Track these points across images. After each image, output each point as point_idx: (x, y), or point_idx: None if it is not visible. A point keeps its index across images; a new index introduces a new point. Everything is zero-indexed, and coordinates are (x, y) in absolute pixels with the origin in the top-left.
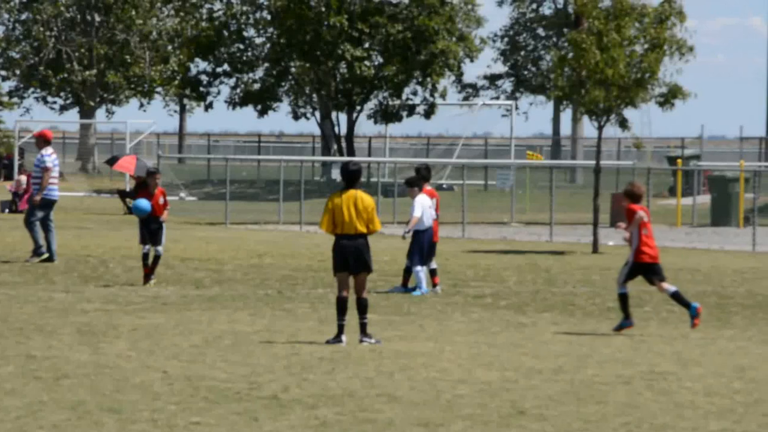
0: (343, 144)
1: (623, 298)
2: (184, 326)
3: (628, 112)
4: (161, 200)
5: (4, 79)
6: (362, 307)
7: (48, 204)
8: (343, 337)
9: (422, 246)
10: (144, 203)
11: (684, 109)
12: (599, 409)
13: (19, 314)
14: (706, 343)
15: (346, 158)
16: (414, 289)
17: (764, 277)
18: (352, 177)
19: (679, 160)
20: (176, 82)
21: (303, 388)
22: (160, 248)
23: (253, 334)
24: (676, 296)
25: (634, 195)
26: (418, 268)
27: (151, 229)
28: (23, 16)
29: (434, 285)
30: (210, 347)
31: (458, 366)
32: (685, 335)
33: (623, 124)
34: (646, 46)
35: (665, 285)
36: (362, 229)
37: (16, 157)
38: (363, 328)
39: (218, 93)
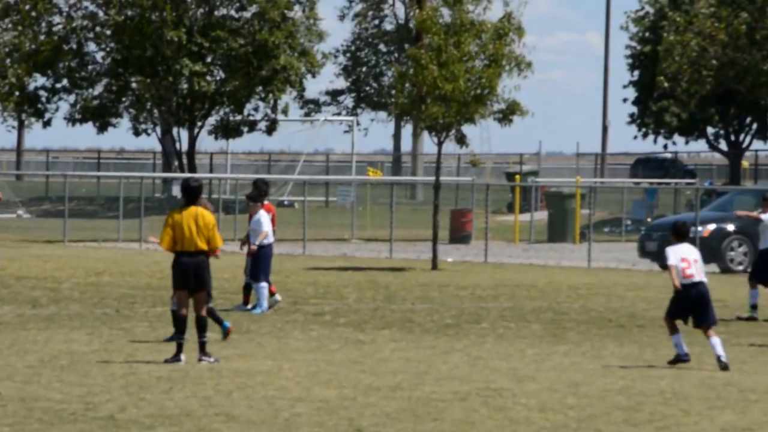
0: (185, 160)
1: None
2: (20, 346)
3: (468, 129)
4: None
5: None
6: (201, 326)
7: None
8: (182, 356)
9: (268, 261)
10: None
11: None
12: (436, 426)
13: None
14: (542, 359)
15: (187, 174)
16: (255, 307)
17: (599, 293)
18: (192, 193)
19: (518, 177)
20: (14, 98)
21: (140, 408)
22: None
23: (90, 354)
24: None
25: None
26: (263, 284)
27: None
28: None
29: (272, 294)
30: (46, 367)
31: (296, 384)
32: (521, 351)
33: (461, 140)
34: (485, 62)
35: None
36: (203, 246)
37: None
38: (202, 347)
39: (57, 109)
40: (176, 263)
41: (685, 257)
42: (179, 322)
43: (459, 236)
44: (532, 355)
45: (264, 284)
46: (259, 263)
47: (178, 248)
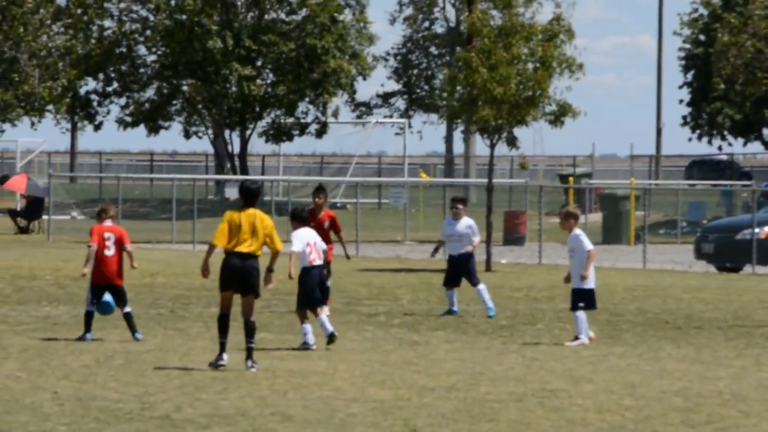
0: (237, 162)
1: None
2: (75, 346)
3: (519, 131)
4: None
5: None
6: (250, 331)
7: None
8: (224, 356)
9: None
10: (111, 302)
11: (575, 128)
12: (492, 426)
13: None
14: (597, 360)
15: (239, 176)
16: None
17: (654, 295)
18: (251, 195)
19: (571, 178)
20: (66, 101)
21: (195, 407)
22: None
23: (145, 354)
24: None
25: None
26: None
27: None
28: None
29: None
30: (101, 367)
31: (351, 384)
32: (577, 352)
33: (513, 142)
34: (535, 64)
35: None
36: (256, 250)
37: None
38: (249, 352)
39: (108, 112)
40: (226, 264)
41: None
42: (223, 323)
43: (512, 238)
44: (588, 357)
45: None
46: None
47: (231, 246)
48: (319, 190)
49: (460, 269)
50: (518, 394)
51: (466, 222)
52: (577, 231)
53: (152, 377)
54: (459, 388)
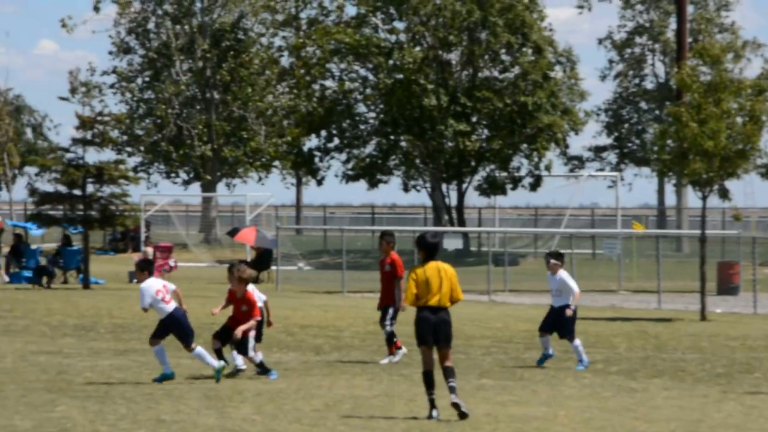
0: (454, 214)
1: None
2: (306, 391)
3: (731, 183)
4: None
5: (130, 154)
6: (449, 372)
7: None
8: (434, 412)
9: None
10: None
11: None
12: None
13: (148, 380)
14: None
15: (457, 228)
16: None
17: None
18: (432, 248)
19: None
20: (291, 157)
21: None
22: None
23: (371, 399)
24: None
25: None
26: (578, 341)
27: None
28: (146, 95)
29: (398, 347)
30: (331, 411)
31: (572, 430)
32: None
33: (724, 194)
34: (745, 118)
35: None
36: (446, 302)
37: (143, 229)
38: (452, 390)
39: (329, 167)
40: (419, 320)
41: None
42: (428, 379)
43: (726, 288)
44: None
45: (578, 341)
46: (573, 322)
47: (421, 303)
48: (382, 235)
49: (558, 320)
50: None
51: (560, 275)
52: None
53: (380, 422)
54: None
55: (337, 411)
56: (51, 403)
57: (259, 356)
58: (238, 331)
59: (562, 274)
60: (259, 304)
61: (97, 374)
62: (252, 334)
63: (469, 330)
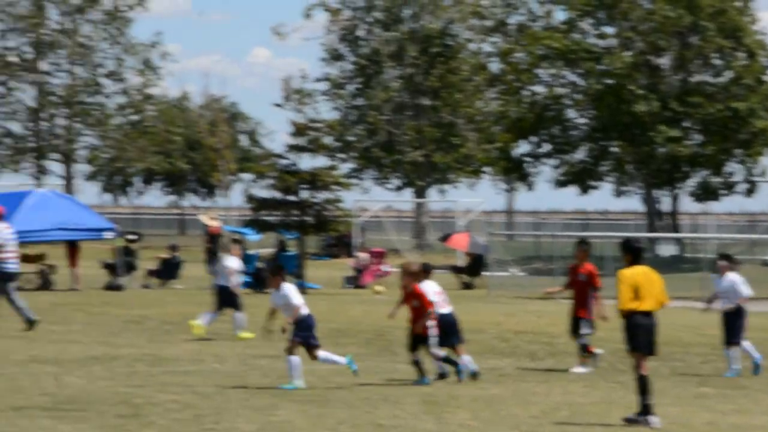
0: (669, 220)
1: None
2: (521, 397)
3: None
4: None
5: (342, 161)
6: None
7: (3, 277)
8: (652, 418)
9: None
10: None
11: None
12: None
13: (365, 384)
14: None
15: (672, 234)
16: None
17: None
18: (638, 253)
19: None
20: (502, 163)
21: None
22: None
23: (588, 406)
24: None
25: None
26: (735, 350)
27: None
28: (357, 102)
29: (590, 353)
30: (547, 417)
31: None
32: None
33: None
34: None
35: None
36: (656, 306)
37: (357, 235)
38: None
39: (539, 173)
40: (636, 324)
41: None
42: (646, 384)
43: None
44: None
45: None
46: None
47: (636, 307)
48: (579, 242)
49: (728, 326)
50: None
51: (729, 278)
52: None
53: (596, 430)
54: None
55: (553, 418)
56: (272, 407)
57: (440, 353)
58: (417, 328)
59: (733, 276)
60: (434, 297)
61: (317, 378)
62: (433, 331)
63: (685, 337)
